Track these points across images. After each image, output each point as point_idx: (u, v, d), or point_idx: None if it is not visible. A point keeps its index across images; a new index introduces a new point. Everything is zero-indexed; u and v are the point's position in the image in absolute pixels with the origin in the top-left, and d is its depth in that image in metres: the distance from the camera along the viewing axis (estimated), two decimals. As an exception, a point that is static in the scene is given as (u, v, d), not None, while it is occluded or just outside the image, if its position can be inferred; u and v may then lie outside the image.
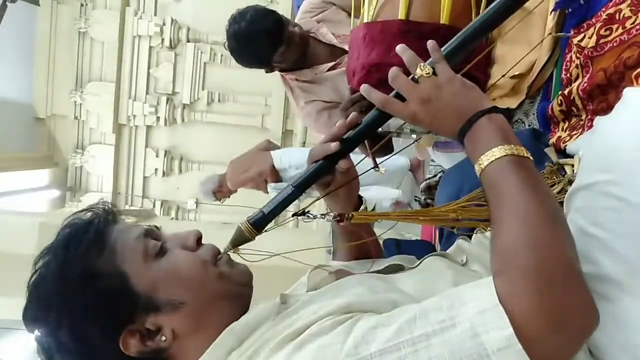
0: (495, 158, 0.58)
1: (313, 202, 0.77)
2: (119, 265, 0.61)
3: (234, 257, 0.70)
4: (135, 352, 0.60)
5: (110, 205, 0.69)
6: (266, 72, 1.71)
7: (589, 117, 0.90)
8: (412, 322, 0.49)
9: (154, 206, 4.17)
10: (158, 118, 4.06)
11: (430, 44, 0.69)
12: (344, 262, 0.85)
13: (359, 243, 0.81)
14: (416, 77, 0.67)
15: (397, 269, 0.76)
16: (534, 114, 1.13)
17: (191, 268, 0.64)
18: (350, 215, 0.74)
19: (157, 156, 4.15)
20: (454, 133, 0.65)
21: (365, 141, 0.84)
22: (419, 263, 0.77)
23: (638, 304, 0.55)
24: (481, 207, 0.74)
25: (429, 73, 0.66)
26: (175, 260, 0.64)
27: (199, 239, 0.68)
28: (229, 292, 0.66)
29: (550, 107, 1.01)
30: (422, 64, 0.67)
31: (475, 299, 0.49)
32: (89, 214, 0.65)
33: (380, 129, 1.11)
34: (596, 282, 0.58)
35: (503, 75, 1.05)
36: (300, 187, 0.73)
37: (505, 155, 0.57)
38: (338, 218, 0.74)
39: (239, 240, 0.70)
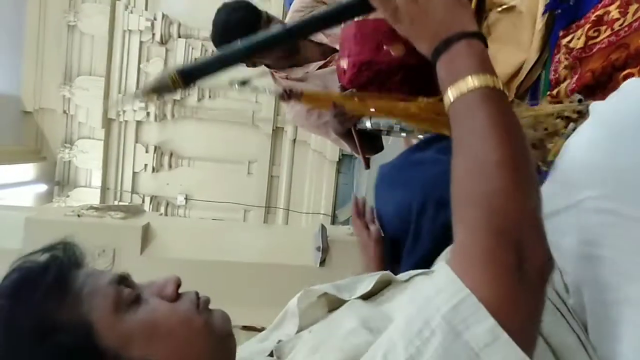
0: (466, 89, 0.50)
1: (260, 76, 0.72)
2: (84, 315, 0.51)
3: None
4: None
5: (74, 246, 0.58)
6: (247, 66, 1.68)
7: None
8: (394, 349, 0.44)
9: (143, 202, 4.14)
10: (148, 113, 4.03)
11: None
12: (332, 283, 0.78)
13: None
14: None
15: (386, 285, 0.70)
16: (522, 114, 1.13)
17: (174, 322, 0.54)
18: (298, 93, 0.72)
19: (146, 152, 4.13)
20: (428, 48, 0.57)
21: (356, 140, 0.84)
22: (409, 278, 0.71)
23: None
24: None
25: None
26: (153, 311, 0.54)
27: (178, 287, 0.58)
28: (217, 347, 0.57)
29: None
30: None
31: (439, 291, 0.44)
32: (46, 255, 0.55)
33: (370, 126, 1.10)
34: (602, 306, 0.56)
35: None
36: (248, 48, 0.64)
37: (477, 88, 0.50)
38: (285, 94, 0.71)
39: (160, 88, 0.61)
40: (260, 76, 0.70)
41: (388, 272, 0.71)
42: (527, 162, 0.48)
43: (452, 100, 0.51)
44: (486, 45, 0.56)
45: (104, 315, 0.52)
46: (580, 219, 0.56)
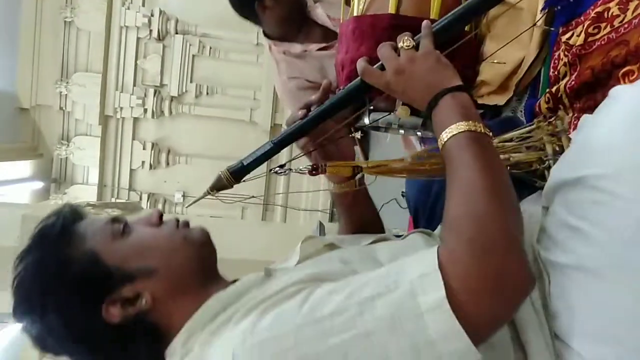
0: (452, 134, 0.62)
1: (291, 159, 0.82)
2: (89, 248, 0.67)
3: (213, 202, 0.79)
4: (119, 319, 0.64)
5: (75, 206, 0.74)
6: (258, 11, 1.62)
7: (576, 115, 0.91)
8: (363, 286, 0.54)
9: (140, 199, 4.13)
10: (145, 110, 4.01)
11: (425, 22, 0.72)
12: (337, 235, 0.90)
13: (360, 222, 0.89)
14: (398, 47, 0.71)
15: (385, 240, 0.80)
16: (521, 111, 1.13)
17: (158, 238, 0.70)
18: (323, 165, 0.80)
19: (144, 149, 4.10)
20: (423, 106, 0.68)
21: (355, 136, 0.87)
22: (405, 236, 0.81)
23: (617, 295, 0.56)
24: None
25: (409, 46, 0.70)
26: (141, 234, 0.70)
27: (161, 216, 0.73)
28: (197, 253, 0.71)
29: (537, 104, 1.02)
30: (406, 37, 0.71)
31: (419, 264, 0.54)
32: (55, 216, 0.70)
33: (369, 122, 1.12)
34: (574, 271, 0.60)
35: (493, 55, 1.06)
36: (279, 144, 0.79)
37: (462, 132, 0.61)
38: (313, 170, 0.80)
39: (217, 186, 0.78)
40: (294, 159, 0.83)
41: (389, 235, 0.83)
42: (506, 188, 0.59)
43: (443, 142, 0.63)
44: (469, 93, 0.67)
45: (104, 244, 0.67)
46: (575, 194, 0.61)
